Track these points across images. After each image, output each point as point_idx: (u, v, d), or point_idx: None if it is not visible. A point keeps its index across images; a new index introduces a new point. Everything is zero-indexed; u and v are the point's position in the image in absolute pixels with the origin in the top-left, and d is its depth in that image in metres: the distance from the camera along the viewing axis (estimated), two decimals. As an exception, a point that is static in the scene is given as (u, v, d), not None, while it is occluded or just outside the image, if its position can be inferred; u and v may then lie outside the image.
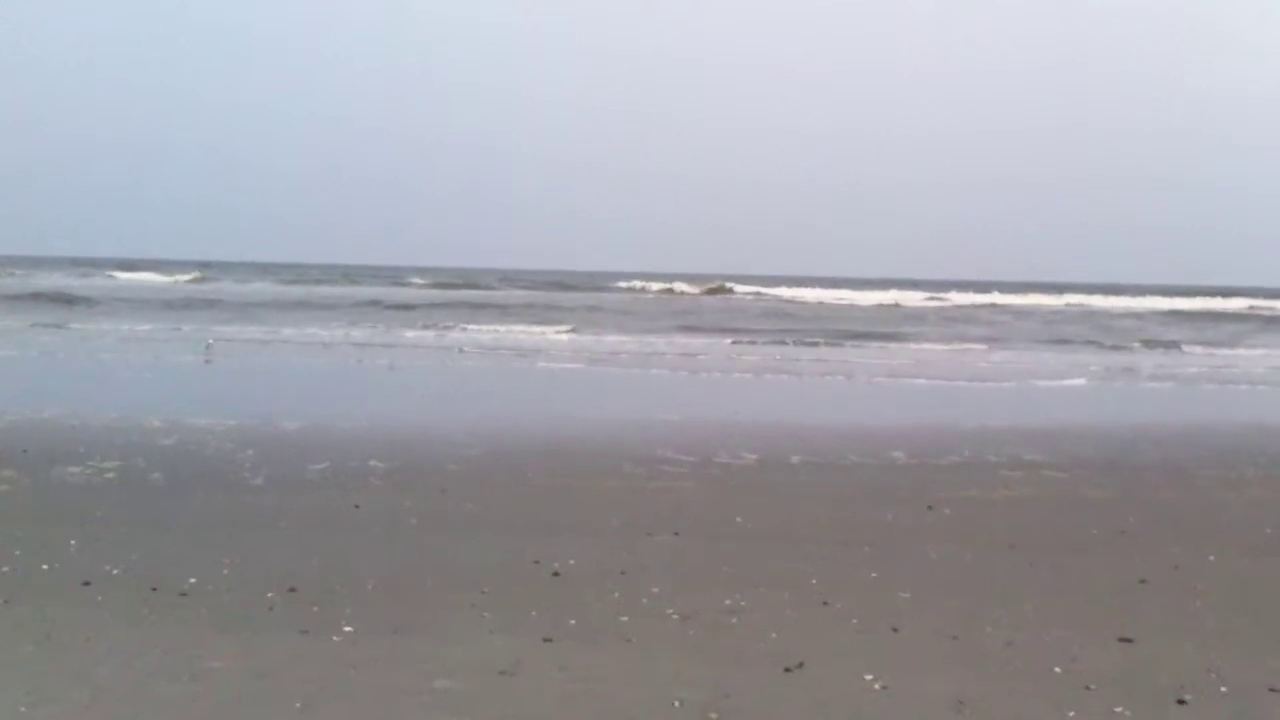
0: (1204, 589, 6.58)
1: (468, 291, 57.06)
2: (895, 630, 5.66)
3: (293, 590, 6.22)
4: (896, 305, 54.30)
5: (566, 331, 33.56)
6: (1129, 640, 5.50)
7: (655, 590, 6.32)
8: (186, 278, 62.12)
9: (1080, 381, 21.78)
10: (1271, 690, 4.81)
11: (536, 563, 6.87)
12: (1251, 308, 54.73)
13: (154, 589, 6.19)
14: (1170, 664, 5.15)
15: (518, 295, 54.68)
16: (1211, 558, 7.39)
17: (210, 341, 23.83)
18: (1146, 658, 5.26)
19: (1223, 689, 4.83)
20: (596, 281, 71.46)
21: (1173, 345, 32.91)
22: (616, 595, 6.20)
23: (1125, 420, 15.93)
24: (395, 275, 75.65)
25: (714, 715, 4.51)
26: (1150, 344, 33.10)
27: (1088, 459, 11.68)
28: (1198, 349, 32.21)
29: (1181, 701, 4.68)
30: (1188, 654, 5.30)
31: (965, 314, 48.47)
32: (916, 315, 46.59)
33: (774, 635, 5.54)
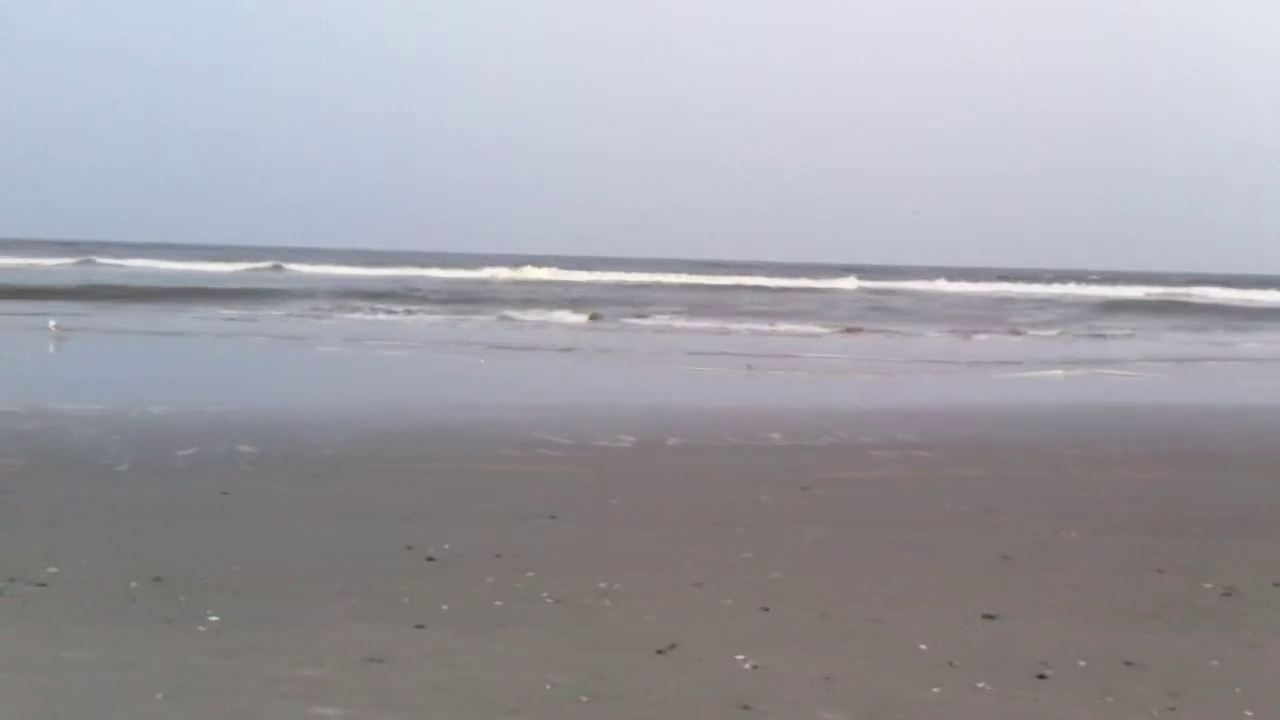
0: (1065, 565, 6.75)
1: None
2: (767, 610, 5.71)
3: (157, 580, 6.06)
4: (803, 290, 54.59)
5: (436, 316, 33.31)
6: (992, 616, 5.62)
7: (530, 575, 6.28)
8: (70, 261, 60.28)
9: (952, 366, 22.25)
10: (1127, 664, 4.95)
11: (410, 548, 6.80)
12: (1166, 294, 55.66)
13: (11, 579, 5.99)
14: (1031, 639, 5.27)
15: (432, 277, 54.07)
16: (1073, 535, 7.59)
17: (53, 325, 22.98)
18: (1009, 633, 5.38)
19: (1081, 663, 4.95)
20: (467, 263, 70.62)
21: (1016, 330, 33.27)
22: (490, 580, 6.16)
23: (995, 402, 16.30)
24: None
25: (585, 698, 4.50)
26: (993, 331, 33.38)
27: (958, 439, 11.92)
28: (1046, 333, 32.95)
29: (1042, 676, 4.79)
30: (1048, 629, 5.43)
31: (848, 298, 49.21)
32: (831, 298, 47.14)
33: (647, 617, 5.55)
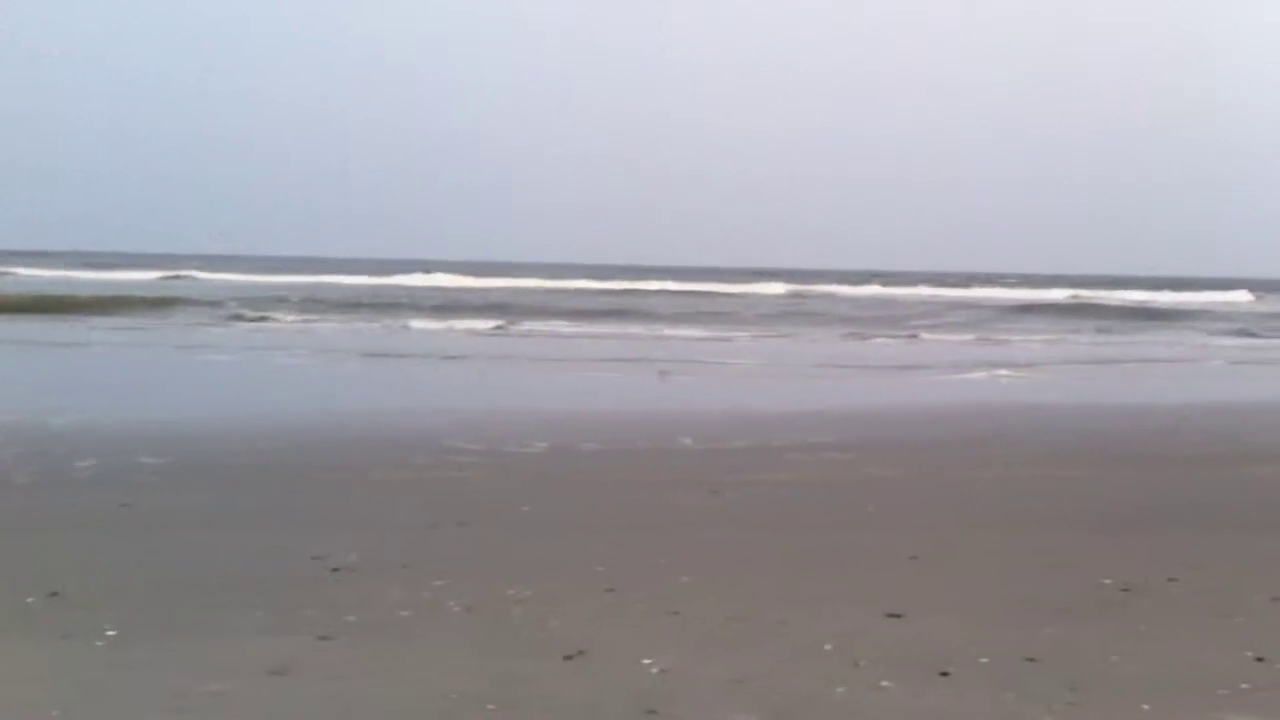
0: (969, 564, 6.85)
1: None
2: (676, 613, 5.72)
3: (54, 594, 5.92)
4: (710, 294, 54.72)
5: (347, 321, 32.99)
6: (897, 615, 5.68)
7: (438, 583, 6.23)
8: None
9: (865, 368, 22.50)
10: (1028, 659, 5.03)
11: (316, 558, 6.71)
12: (1076, 296, 56.54)
13: (-100, 598, 5.82)
14: (935, 637, 5.34)
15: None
16: (978, 533, 7.70)
17: None
18: (913, 632, 5.45)
19: (983, 660, 5.02)
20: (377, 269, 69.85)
21: (913, 335, 33.43)
22: (398, 590, 6.09)
23: (905, 404, 16.51)
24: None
25: (492, 706, 4.47)
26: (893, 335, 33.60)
27: (868, 441, 12.06)
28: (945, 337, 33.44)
29: (944, 673, 4.85)
30: (952, 627, 5.50)
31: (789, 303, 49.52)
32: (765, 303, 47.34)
33: (556, 624, 5.53)
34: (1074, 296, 54.96)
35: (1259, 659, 5.08)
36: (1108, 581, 6.40)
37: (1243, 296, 60.28)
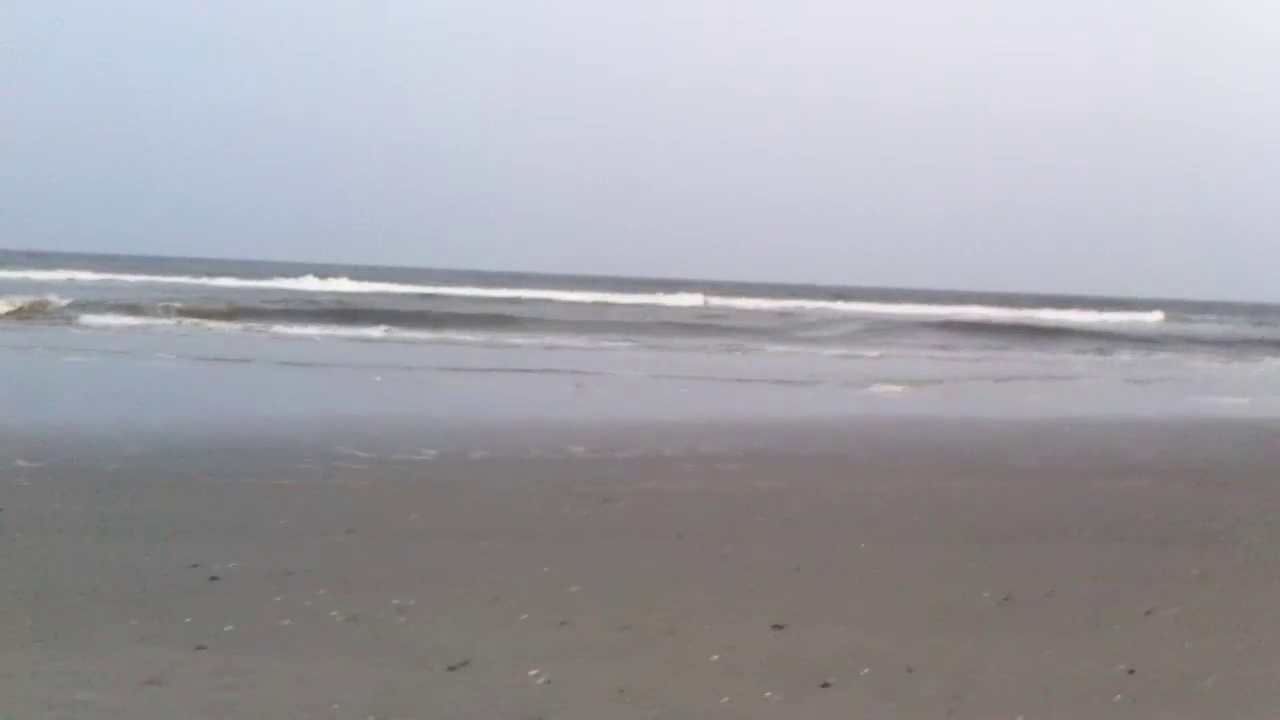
0: (854, 574, 6.93)
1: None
2: (564, 624, 5.70)
3: (-82, 603, 5.71)
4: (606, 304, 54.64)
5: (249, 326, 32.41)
6: (782, 626, 5.72)
7: (321, 592, 6.13)
8: None
9: (761, 381, 22.69)
10: (909, 669, 5.11)
11: (195, 566, 6.55)
12: (986, 314, 57.31)
13: None
14: (818, 648, 5.39)
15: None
16: (863, 545, 7.79)
17: None
18: (797, 642, 5.49)
19: (864, 670, 5.09)
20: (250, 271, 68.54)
21: (755, 349, 33.31)
22: (279, 599, 5.99)
23: (795, 416, 16.68)
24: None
25: (373, 718, 4.41)
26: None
27: (758, 452, 12.15)
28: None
29: (826, 684, 4.90)
30: (835, 637, 5.56)
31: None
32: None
33: (441, 633, 5.48)
34: (973, 313, 55.98)
35: (1131, 671, 5.21)
36: (987, 593, 6.52)
37: (1154, 317, 62.37)
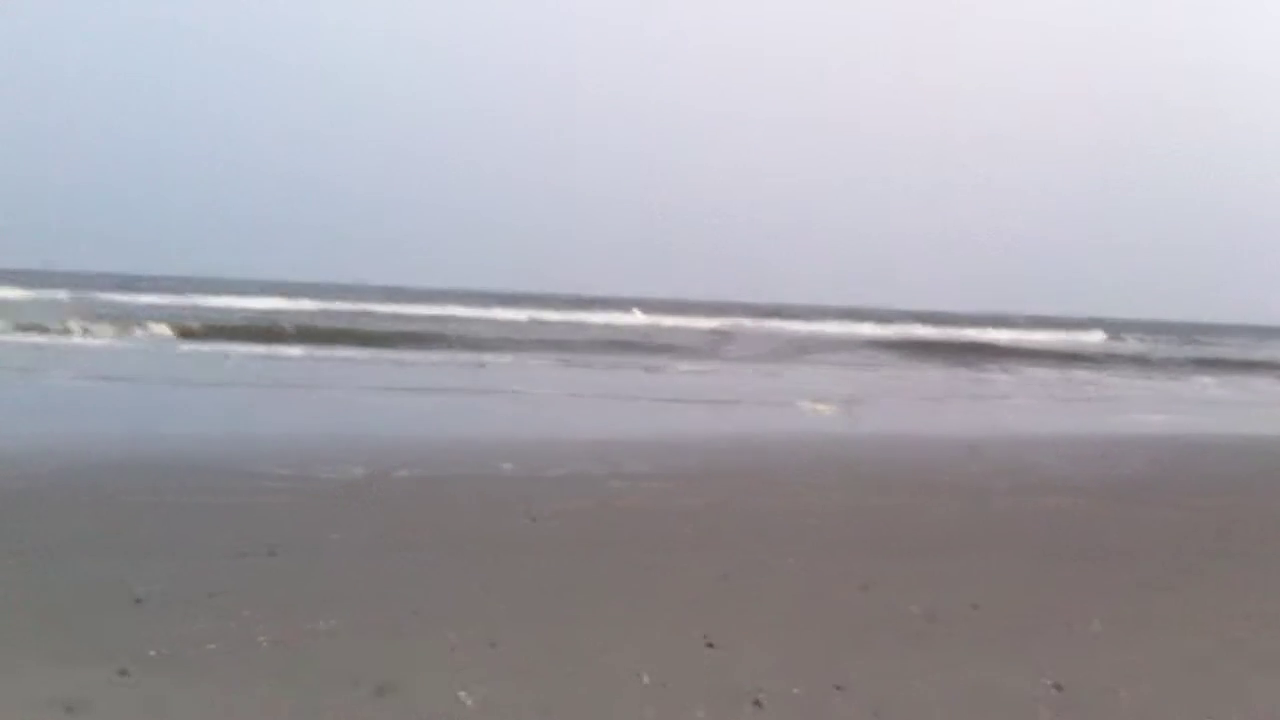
0: (783, 591, 6.95)
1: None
2: (493, 644, 5.65)
3: None
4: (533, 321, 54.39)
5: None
6: (712, 644, 5.72)
7: (246, 614, 6.03)
8: None
9: (681, 398, 22.74)
10: (837, 688, 5.12)
11: (115, 588, 6.42)
12: (899, 331, 57.75)
13: None
14: (749, 665, 5.39)
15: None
16: (790, 560, 7.82)
17: None
18: (728, 661, 5.49)
19: (795, 689, 5.10)
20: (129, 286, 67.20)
21: (685, 367, 33.15)
22: (202, 622, 5.87)
23: (720, 433, 16.72)
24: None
25: (298, 743, 4.35)
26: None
27: (685, 469, 12.17)
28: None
29: (757, 703, 4.90)
30: (765, 656, 5.57)
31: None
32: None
33: (368, 656, 5.41)
34: (908, 332, 56.43)
35: (1056, 686, 5.27)
36: (914, 609, 6.57)
37: (1095, 336, 63.54)
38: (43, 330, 32.59)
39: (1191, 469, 14.31)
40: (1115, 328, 72.37)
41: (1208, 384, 35.41)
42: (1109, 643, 6.05)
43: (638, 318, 60.86)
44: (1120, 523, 9.98)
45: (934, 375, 33.58)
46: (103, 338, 32.16)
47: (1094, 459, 14.65)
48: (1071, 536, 9.18)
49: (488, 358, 32.09)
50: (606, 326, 52.41)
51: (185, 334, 34.47)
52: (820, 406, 20.42)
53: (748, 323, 61.64)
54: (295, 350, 31.74)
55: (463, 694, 4.90)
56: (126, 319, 37.49)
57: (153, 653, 5.37)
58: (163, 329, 35.18)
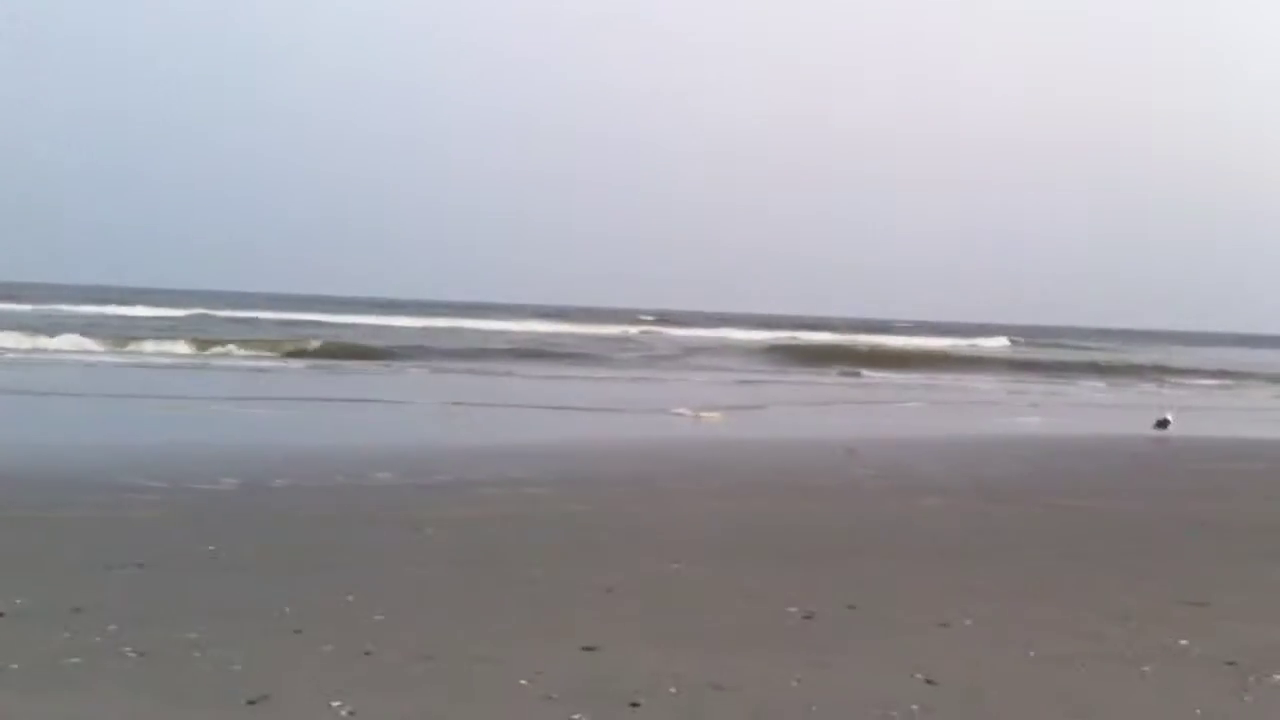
0: (664, 595, 6.97)
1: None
2: (368, 654, 5.57)
3: None
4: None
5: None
6: (592, 649, 5.72)
7: (112, 628, 5.86)
8: None
9: (566, 407, 22.73)
10: (714, 687, 5.16)
11: (-25, 603, 6.20)
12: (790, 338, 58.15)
13: None
14: (628, 669, 5.40)
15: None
16: (674, 565, 7.85)
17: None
18: (607, 664, 5.49)
19: (673, 690, 5.12)
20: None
21: (572, 374, 33.05)
22: (67, 635, 5.70)
23: (601, 439, 16.74)
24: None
25: (166, 757, 4.24)
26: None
27: (567, 475, 12.16)
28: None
29: (635, 704, 4.91)
30: (644, 658, 5.58)
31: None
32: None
33: (239, 667, 5.29)
34: (790, 338, 56.95)
35: (929, 681, 5.37)
36: (792, 609, 6.65)
37: (998, 342, 65.08)
38: None
39: (1061, 470, 14.70)
40: (1021, 334, 74.53)
41: (1098, 387, 36.55)
42: (977, 639, 6.18)
43: (519, 325, 60.78)
44: (990, 523, 10.22)
45: (824, 381, 34.04)
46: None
47: (967, 461, 14.97)
48: (943, 537, 9.37)
49: (366, 366, 31.73)
50: (488, 333, 52.23)
51: (52, 342, 33.48)
52: (704, 414, 20.55)
53: (632, 330, 61.91)
54: (168, 359, 31.04)
55: (337, 704, 4.83)
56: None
57: (14, 666, 5.20)
58: (26, 337, 34.15)
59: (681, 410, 20.71)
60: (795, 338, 57.56)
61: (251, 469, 11.40)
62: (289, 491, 10.51)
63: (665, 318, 78.91)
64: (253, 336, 39.16)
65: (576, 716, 4.74)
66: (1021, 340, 69.47)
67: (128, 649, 5.53)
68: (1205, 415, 24.80)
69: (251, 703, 4.83)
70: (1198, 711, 5.07)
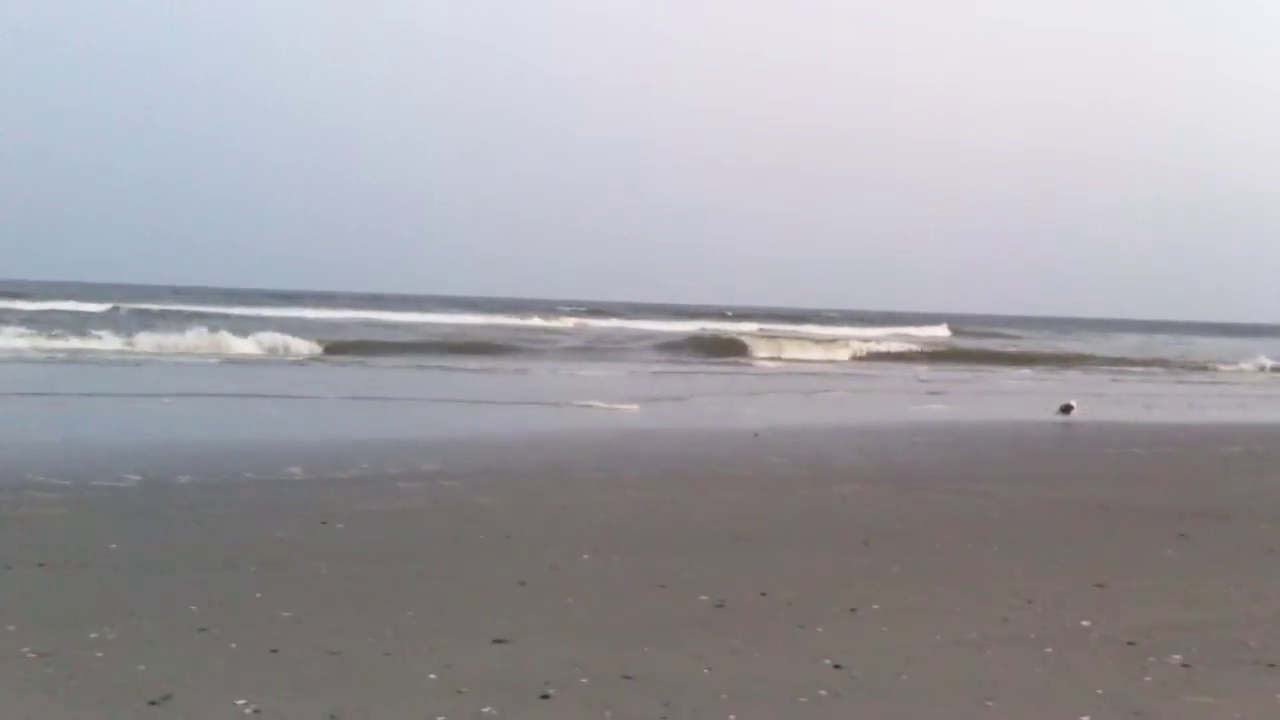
0: (576, 587, 6.96)
1: None
2: (275, 651, 5.50)
3: None
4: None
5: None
6: (503, 641, 5.70)
7: (11, 629, 5.73)
8: None
9: (494, 399, 22.61)
10: (626, 677, 5.16)
11: None
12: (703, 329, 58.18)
13: None
14: (539, 661, 5.39)
15: None
16: (586, 557, 7.85)
17: None
18: (518, 656, 5.47)
19: (583, 680, 5.11)
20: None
21: (486, 366, 32.97)
22: (-39, 637, 5.56)
23: (515, 431, 16.68)
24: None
25: (64, 760, 4.14)
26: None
27: (481, 467, 12.10)
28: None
29: (545, 696, 4.90)
30: (556, 650, 5.57)
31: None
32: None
33: (141, 668, 5.19)
34: (704, 329, 56.95)
35: (837, 666, 5.43)
36: (704, 598, 6.68)
37: (940, 331, 65.85)
38: None
39: (970, 456, 14.93)
40: (961, 323, 75.65)
41: (1025, 375, 37.17)
42: (886, 624, 6.25)
43: (432, 317, 60.37)
44: (899, 510, 10.35)
45: (746, 370, 34.23)
46: None
47: (879, 449, 15.15)
48: (854, 524, 9.46)
49: (275, 358, 31.31)
50: (400, 326, 51.80)
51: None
52: (616, 405, 20.55)
53: (544, 322, 61.74)
54: (70, 353, 30.37)
55: (241, 702, 4.75)
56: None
57: (-94, 672, 5.06)
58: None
59: (596, 402, 20.68)
60: (719, 329, 57.71)
61: (157, 465, 11.19)
62: (195, 488, 10.33)
63: (596, 309, 78.85)
64: (175, 331, 38.40)
65: (486, 709, 4.72)
66: (961, 330, 70.43)
67: (27, 650, 5.41)
68: (1114, 402, 25.41)
69: (154, 703, 4.74)
70: (1099, 691, 5.17)
